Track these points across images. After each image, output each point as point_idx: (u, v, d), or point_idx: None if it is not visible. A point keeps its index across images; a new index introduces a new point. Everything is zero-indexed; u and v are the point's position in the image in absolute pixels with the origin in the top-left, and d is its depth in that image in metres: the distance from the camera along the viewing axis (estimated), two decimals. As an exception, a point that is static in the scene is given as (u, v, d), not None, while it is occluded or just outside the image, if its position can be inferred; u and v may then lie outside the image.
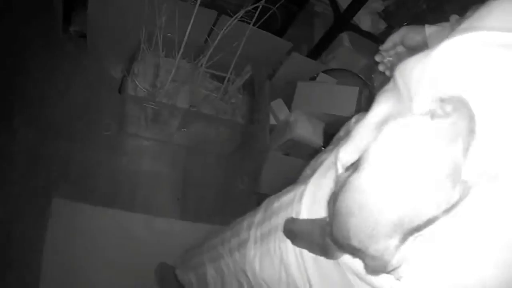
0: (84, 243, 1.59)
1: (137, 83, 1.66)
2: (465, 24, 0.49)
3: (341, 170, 0.54)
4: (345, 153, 0.55)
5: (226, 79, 1.77)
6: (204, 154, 2.00)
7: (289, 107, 1.96)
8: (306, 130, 1.79)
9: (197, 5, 1.54)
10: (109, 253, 1.61)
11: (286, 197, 0.75)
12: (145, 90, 1.66)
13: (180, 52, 1.63)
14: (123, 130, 1.85)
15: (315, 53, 2.09)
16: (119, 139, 1.87)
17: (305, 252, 0.63)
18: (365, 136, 0.52)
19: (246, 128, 1.87)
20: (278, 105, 1.95)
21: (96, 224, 1.65)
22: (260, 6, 1.61)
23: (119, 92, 1.61)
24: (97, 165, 1.76)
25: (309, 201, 0.65)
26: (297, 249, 0.66)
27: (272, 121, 1.96)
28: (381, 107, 0.54)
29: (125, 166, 1.83)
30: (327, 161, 0.66)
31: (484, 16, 0.48)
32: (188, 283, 1.27)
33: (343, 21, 1.95)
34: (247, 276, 0.84)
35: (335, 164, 0.57)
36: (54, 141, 1.70)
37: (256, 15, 1.66)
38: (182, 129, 1.83)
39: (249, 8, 1.62)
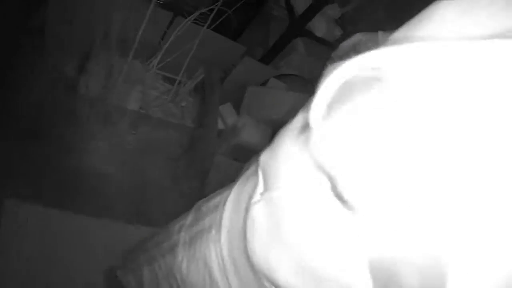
0: (36, 245, 1.57)
1: (89, 83, 1.64)
2: (400, 33, 0.48)
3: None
4: (264, 156, 0.57)
5: (177, 81, 1.78)
6: (154, 157, 1.99)
7: (239, 112, 1.97)
8: (253, 136, 1.81)
9: (151, 6, 1.54)
10: (61, 255, 1.60)
11: (213, 202, 0.76)
12: (96, 91, 1.65)
13: (132, 53, 1.62)
14: (75, 130, 1.83)
15: (269, 57, 2.10)
16: (72, 140, 1.85)
17: (226, 256, 0.65)
18: (288, 142, 0.53)
19: (195, 132, 1.87)
20: (226, 109, 1.96)
21: (48, 226, 1.63)
22: (215, 9, 1.61)
23: (72, 91, 1.59)
24: (49, 165, 1.74)
25: (231, 207, 0.67)
26: (220, 253, 0.67)
27: (221, 125, 1.96)
28: (303, 114, 0.55)
29: (76, 167, 1.80)
30: (252, 167, 0.68)
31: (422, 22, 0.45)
32: (127, 285, 1.27)
33: (297, 26, 1.98)
34: (176, 279, 0.85)
35: (257, 171, 0.59)
36: (6, 140, 1.66)
37: (211, 17, 1.67)
38: (132, 132, 1.82)
39: (204, 10, 1.63)
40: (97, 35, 1.63)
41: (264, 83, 2.05)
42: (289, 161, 0.51)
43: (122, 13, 1.53)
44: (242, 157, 1.90)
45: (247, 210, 0.56)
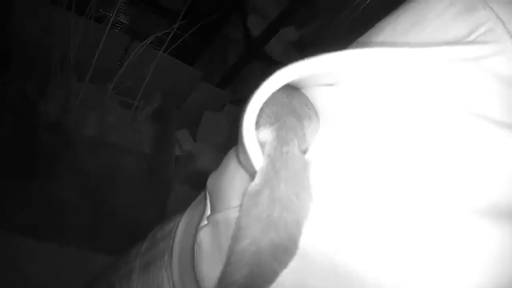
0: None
1: (48, 107, 1.63)
2: (361, 37, 0.50)
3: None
4: (211, 179, 0.59)
5: (134, 106, 1.78)
6: (112, 183, 1.98)
7: (196, 137, 1.98)
8: (209, 162, 1.82)
9: (107, 28, 1.55)
10: (23, 282, 1.58)
11: (167, 228, 0.77)
12: (55, 115, 1.64)
13: (88, 76, 1.63)
14: (36, 155, 1.81)
15: (226, 81, 2.13)
16: (30, 165, 1.83)
17: (177, 282, 0.66)
18: (232, 163, 0.55)
19: (152, 159, 1.87)
20: (183, 135, 1.97)
21: (9, 252, 1.62)
22: (172, 33, 1.63)
23: (33, 115, 1.58)
24: (7, 192, 1.71)
25: (182, 232, 0.68)
26: (171, 278, 0.68)
27: (178, 151, 1.97)
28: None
29: (36, 192, 1.78)
30: (202, 192, 0.70)
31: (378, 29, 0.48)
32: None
33: (254, 50, 2.00)
34: (133, 305, 0.86)
35: (205, 195, 0.61)
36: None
37: (167, 41, 1.68)
38: (90, 157, 1.82)
39: (160, 34, 1.64)
40: (55, 58, 1.62)
41: (221, 108, 2.07)
42: (233, 182, 0.52)
43: (79, 36, 1.53)
44: (199, 184, 1.90)
45: (195, 234, 0.57)
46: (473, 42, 0.37)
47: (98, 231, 1.86)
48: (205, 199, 0.61)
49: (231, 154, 0.56)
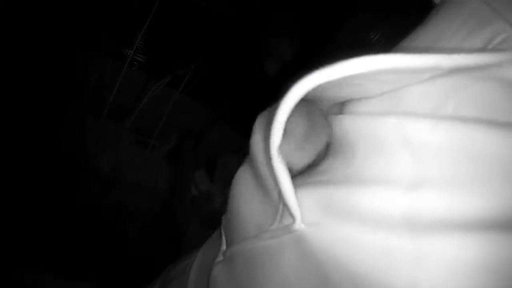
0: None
1: (63, 141, 1.65)
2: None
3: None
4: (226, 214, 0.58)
5: (151, 145, 1.79)
6: (126, 220, 1.97)
7: (213, 178, 1.97)
8: (226, 203, 1.79)
9: (125, 66, 1.57)
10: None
11: (180, 266, 0.76)
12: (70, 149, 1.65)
13: (105, 113, 1.64)
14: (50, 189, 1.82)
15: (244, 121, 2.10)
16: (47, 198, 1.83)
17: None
18: (248, 190, 0.54)
19: (167, 197, 1.87)
20: (200, 175, 1.96)
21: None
22: (189, 73, 1.65)
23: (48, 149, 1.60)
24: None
25: (197, 270, 0.67)
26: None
27: (195, 191, 1.95)
28: None
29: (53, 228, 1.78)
30: (218, 229, 0.69)
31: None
32: None
33: (269, 91, 1.99)
34: None
35: (221, 232, 0.60)
36: None
37: (185, 82, 1.70)
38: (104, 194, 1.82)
39: (177, 73, 1.66)
40: (71, 93, 1.64)
41: (239, 148, 2.06)
42: (250, 208, 0.51)
43: (97, 73, 1.56)
44: (216, 224, 1.88)
45: (210, 271, 0.56)
46: (491, 50, 0.36)
47: (110, 268, 1.84)
48: (221, 235, 0.60)
49: (244, 181, 0.55)
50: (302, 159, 0.42)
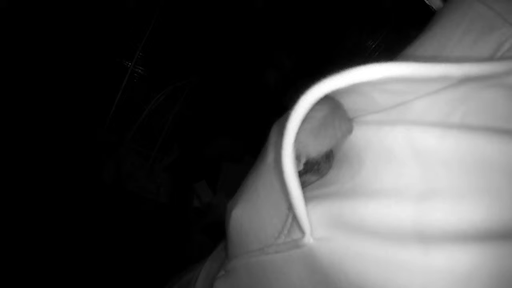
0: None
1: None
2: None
3: None
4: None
5: (152, 157, 1.79)
6: (128, 232, 1.96)
7: (215, 189, 1.97)
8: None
9: (125, 80, 1.57)
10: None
11: (185, 278, 0.76)
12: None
13: (107, 125, 1.64)
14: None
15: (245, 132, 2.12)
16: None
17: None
18: (261, 201, 0.53)
19: (169, 209, 1.86)
20: (201, 187, 1.96)
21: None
22: (189, 85, 1.65)
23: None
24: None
25: (201, 283, 0.66)
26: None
27: (197, 203, 1.95)
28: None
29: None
30: (223, 242, 0.68)
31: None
32: None
33: (271, 101, 2.01)
34: None
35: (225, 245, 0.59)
36: None
37: (185, 93, 1.70)
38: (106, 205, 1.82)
39: (177, 85, 1.66)
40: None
41: (240, 159, 2.06)
42: (260, 219, 0.50)
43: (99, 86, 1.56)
44: (219, 235, 1.87)
45: (212, 284, 0.55)
46: (501, 58, 0.36)
47: (114, 280, 1.83)
48: (225, 248, 0.59)
49: (247, 193, 0.54)
50: (317, 146, 0.41)
